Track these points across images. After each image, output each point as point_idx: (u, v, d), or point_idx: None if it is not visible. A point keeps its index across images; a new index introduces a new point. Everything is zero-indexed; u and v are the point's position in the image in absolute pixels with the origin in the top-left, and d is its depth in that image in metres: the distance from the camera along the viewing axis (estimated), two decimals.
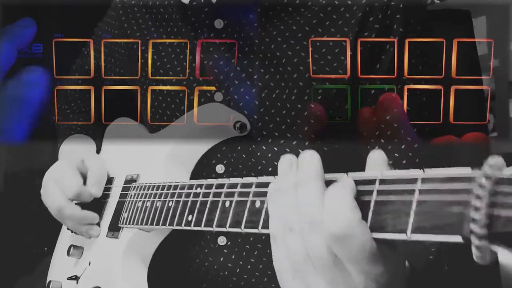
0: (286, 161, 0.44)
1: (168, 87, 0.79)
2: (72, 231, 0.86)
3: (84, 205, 0.79)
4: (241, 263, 0.73)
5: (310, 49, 0.70)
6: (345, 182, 0.40)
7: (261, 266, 0.73)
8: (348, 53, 0.68)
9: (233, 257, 0.74)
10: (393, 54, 0.67)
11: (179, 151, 0.75)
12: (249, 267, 0.73)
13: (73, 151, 0.89)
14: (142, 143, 0.82)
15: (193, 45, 0.76)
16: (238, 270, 0.73)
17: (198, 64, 0.75)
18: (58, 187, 0.79)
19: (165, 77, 0.80)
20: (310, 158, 0.43)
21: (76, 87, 0.95)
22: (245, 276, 0.73)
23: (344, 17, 0.69)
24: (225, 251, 0.74)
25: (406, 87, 0.66)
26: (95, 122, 0.85)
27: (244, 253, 0.73)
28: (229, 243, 0.74)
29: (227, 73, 0.74)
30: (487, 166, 0.33)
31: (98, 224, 0.79)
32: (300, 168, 0.43)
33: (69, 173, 0.79)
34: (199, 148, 0.75)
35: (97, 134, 0.92)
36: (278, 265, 0.45)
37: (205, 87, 0.75)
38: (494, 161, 0.33)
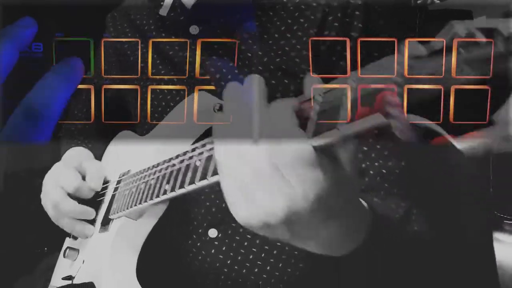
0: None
1: (166, 87, 0.80)
2: (69, 237, 0.86)
3: (81, 203, 0.80)
4: (231, 254, 0.74)
5: (310, 48, 0.71)
6: (287, 99, 0.43)
7: (251, 257, 0.74)
8: (348, 53, 0.69)
9: (223, 248, 0.75)
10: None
11: (167, 145, 0.76)
12: (239, 258, 0.74)
13: (72, 156, 0.90)
14: (132, 144, 0.83)
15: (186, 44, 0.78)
16: (229, 262, 0.74)
17: (195, 64, 0.76)
18: (57, 185, 0.80)
19: (160, 76, 0.81)
20: (254, 81, 0.45)
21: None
22: (236, 267, 0.74)
23: (302, 25, 0.71)
24: (216, 243, 0.75)
25: (406, 86, 0.66)
26: (95, 122, 0.86)
27: (234, 245, 0.74)
28: (219, 235, 0.75)
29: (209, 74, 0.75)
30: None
31: (93, 223, 0.80)
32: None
33: (69, 171, 0.80)
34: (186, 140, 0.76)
35: (96, 148, 0.94)
36: (228, 194, 0.45)
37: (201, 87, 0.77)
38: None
